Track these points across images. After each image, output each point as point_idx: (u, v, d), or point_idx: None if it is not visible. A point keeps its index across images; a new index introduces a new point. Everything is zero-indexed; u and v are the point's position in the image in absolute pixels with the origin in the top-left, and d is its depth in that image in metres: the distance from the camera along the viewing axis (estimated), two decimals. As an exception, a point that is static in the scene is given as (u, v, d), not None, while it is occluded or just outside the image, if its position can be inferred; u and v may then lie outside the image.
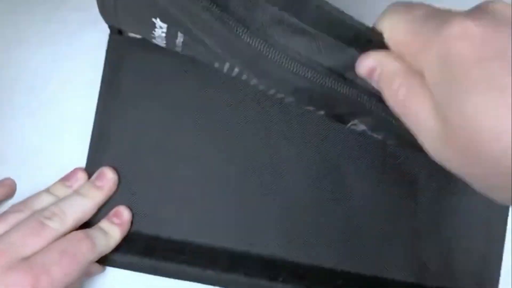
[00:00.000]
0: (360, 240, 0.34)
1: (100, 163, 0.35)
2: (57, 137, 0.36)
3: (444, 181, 0.35)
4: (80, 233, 0.32)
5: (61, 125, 0.37)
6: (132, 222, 0.34)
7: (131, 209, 0.34)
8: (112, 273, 0.36)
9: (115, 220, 0.34)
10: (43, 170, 0.36)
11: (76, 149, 0.36)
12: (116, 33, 0.36)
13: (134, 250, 0.34)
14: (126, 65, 0.35)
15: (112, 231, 0.33)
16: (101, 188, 0.34)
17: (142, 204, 0.35)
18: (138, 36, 0.36)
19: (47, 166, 0.36)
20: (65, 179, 0.35)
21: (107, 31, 0.36)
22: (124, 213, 0.34)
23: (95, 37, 0.37)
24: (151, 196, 0.35)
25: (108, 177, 0.34)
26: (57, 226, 0.31)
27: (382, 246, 0.34)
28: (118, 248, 0.34)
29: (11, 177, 0.36)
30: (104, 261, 0.34)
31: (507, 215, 0.35)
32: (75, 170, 0.35)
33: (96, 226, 0.33)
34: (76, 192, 0.34)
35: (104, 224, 0.34)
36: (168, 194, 0.35)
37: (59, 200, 0.33)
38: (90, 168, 0.35)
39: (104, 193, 0.34)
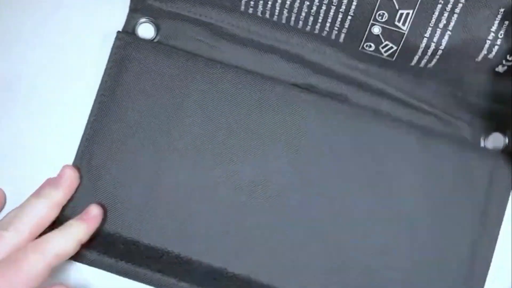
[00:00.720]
0: (347, 271, 0.34)
1: (89, 160, 0.34)
2: (58, 137, 0.36)
3: (439, 217, 0.34)
4: (30, 245, 0.31)
5: (62, 125, 0.36)
6: (113, 222, 0.34)
7: (103, 207, 0.34)
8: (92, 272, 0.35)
9: (83, 216, 0.33)
10: (44, 169, 0.35)
11: (76, 149, 0.35)
12: (125, 32, 0.36)
13: (112, 252, 0.34)
14: (130, 64, 0.35)
15: (76, 228, 0.32)
16: (59, 186, 0.33)
17: (127, 207, 0.34)
18: (146, 37, 0.36)
19: (47, 166, 0.35)
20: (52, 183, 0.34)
21: (108, 31, 0.36)
22: (93, 210, 0.33)
23: (96, 38, 0.37)
24: (137, 200, 0.34)
25: (67, 175, 0.33)
26: (11, 235, 0.30)
27: (371, 279, 0.34)
28: (97, 248, 0.33)
29: (10, 177, 0.36)
30: (81, 258, 0.33)
31: (491, 255, 0.34)
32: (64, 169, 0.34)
33: (58, 228, 0.32)
34: (34, 194, 0.33)
35: (68, 223, 0.32)
36: (154, 199, 0.34)
37: (18, 206, 0.32)
38: (79, 163, 0.34)
39: (63, 191, 0.33)
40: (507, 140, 0.35)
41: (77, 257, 0.33)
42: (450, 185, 0.34)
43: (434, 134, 0.35)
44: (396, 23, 0.33)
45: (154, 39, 0.36)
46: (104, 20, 0.37)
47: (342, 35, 0.35)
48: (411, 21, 0.33)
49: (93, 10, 0.37)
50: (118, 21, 0.37)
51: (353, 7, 0.34)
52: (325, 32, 0.35)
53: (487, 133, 0.36)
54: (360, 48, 0.35)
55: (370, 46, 0.35)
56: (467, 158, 0.34)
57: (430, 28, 0.33)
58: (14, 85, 0.37)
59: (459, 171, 0.34)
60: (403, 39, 0.34)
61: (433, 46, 0.33)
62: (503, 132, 0.36)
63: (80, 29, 0.37)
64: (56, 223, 0.33)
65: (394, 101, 0.36)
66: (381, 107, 0.36)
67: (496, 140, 0.36)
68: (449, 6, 0.32)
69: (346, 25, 0.34)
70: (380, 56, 0.35)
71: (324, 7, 0.34)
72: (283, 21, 0.35)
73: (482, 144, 0.36)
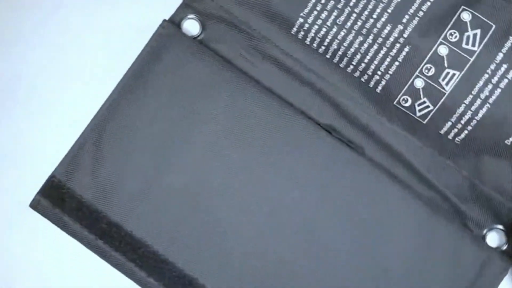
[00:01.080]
0: None
1: (99, 136, 0.34)
2: (58, 137, 0.36)
3: None
4: None
5: (62, 125, 0.37)
6: (103, 202, 0.34)
7: None
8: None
9: None
10: (44, 169, 0.35)
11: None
12: (172, 22, 0.36)
13: (94, 229, 0.34)
14: (165, 55, 0.35)
15: None
16: None
17: (121, 191, 0.34)
18: (190, 34, 0.36)
19: (47, 165, 0.35)
20: None
21: (109, 31, 0.36)
22: None
23: (97, 37, 0.37)
24: (133, 187, 0.34)
25: None
26: None
27: None
28: (80, 220, 0.34)
29: (11, 177, 0.36)
30: (63, 226, 0.34)
31: None
32: None
33: None
34: None
35: None
36: (149, 192, 0.34)
37: None
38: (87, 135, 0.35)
39: None
40: (506, 245, 0.35)
41: (60, 224, 0.34)
42: (438, 264, 0.34)
43: (438, 211, 0.34)
44: (440, 81, 0.33)
45: (197, 37, 0.36)
46: (104, 20, 0.37)
47: (383, 83, 0.35)
48: (455, 83, 0.33)
49: (93, 10, 0.37)
50: (118, 21, 0.37)
51: (404, 53, 0.34)
52: (365, 77, 0.35)
53: (491, 228, 0.35)
54: (395, 102, 0.35)
55: (407, 101, 0.34)
56: (462, 245, 0.34)
57: (471, 96, 0.33)
58: (14, 85, 0.37)
59: (451, 255, 0.34)
60: (442, 100, 0.34)
61: (469, 114, 0.33)
62: (507, 234, 0.35)
63: (80, 29, 0.37)
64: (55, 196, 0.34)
65: (409, 169, 0.35)
66: (395, 171, 0.35)
67: (497, 238, 0.35)
68: (495, 79, 0.33)
69: (391, 71, 0.34)
70: (413, 115, 0.35)
71: (375, 47, 0.34)
72: (328, 54, 0.35)
73: (482, 237, 0.35)
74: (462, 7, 0.33)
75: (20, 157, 0.36)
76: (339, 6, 0.34)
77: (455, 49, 0.33)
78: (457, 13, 0.33)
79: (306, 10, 0.35)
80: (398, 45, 0.34)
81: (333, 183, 0.34)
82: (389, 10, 0.34)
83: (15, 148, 0.36)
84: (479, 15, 0.33)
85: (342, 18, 0.34)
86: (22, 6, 0.37)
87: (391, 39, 0.34)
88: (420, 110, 0.34)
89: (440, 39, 0.33)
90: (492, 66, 0.33)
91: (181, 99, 0.35)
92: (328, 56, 0.35)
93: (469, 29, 0.33)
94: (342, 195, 0.34)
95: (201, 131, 0.35)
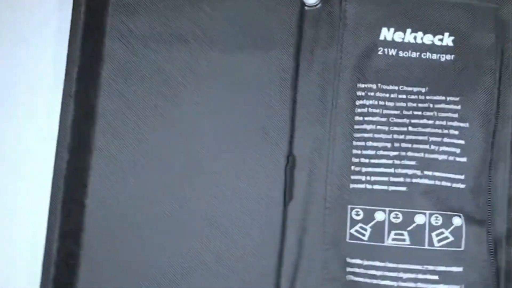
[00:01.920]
0: None
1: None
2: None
3: None
4: None
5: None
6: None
7: None
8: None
9: None
10: (44, 169, 0.35)
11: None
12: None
13: (92, 22, 0.35)
14: None
15: None
16: None
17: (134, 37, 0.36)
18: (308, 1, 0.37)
19: (48, 165, 0.35)
20: None
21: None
22: None
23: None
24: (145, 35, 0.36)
25: None
26: None
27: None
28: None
29: (11, 178, 0.37)
30: None
31: None
32: None
33: None
34: None
35: None
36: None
37: None
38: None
39: None
40: None
41: None
42: None
43: None
44: (392, 232, 0.34)
45: (306, 5, 0.37)
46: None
47: (360, 186, 0.35)
48: (397, 245, 0.34)
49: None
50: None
51: (402, 188, 0.35)
52: (357, 168, 0.36)
53: None
54: (349, 206, 0.35)
55: (358, 215, 0.35)
56: None
57: (395, 265, 0.34)
58: (14, 85, 0.37)
59: None
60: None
61: (373, 272, 0.35)
62: None
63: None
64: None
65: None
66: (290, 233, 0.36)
67: None
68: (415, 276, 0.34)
69: (376, 186, 0.35)
70: (350, 225, 0.36)
71: (390, 170, 0.35)
72: (356, 126, 0.36)
73: None
74: (461, 214, 0.34)
75: (21, 157, 0.37)
76: (401, 125, 0.36)
77: (426, 231, 0.34)
78: (454, 215, 0.34)
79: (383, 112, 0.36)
80: (407, 181, 0.34)
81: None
82: (426, 156, 0.34)
83: (15, 149, 0.37)
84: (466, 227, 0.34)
85: (395, 128, 0.35)
86: (22, 6, 0.37)
87: (402, 177, 0.35)
88: (359, 228, 0.35)
89: (429, 212, 0.34)
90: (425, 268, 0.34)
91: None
92: (356, 127, 0.36)
93: (447, 230, 0.34)
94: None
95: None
